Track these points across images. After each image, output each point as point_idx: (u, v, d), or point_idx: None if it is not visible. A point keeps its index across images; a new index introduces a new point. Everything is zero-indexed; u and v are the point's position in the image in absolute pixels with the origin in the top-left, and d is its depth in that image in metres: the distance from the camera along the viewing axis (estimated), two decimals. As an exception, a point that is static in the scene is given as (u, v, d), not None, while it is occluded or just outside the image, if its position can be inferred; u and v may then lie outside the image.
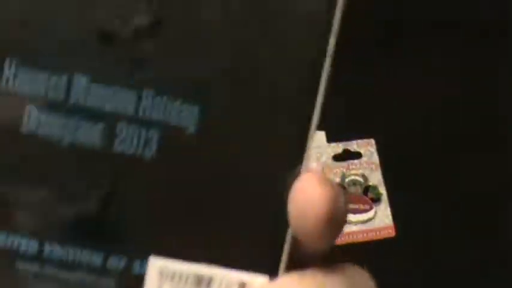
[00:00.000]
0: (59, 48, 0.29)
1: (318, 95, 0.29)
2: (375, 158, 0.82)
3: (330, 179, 0.28)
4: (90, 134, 0.29)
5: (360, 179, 0.81)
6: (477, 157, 0.80)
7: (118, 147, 0.29)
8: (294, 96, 0.29)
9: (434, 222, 0.78)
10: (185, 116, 0.29)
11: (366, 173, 0.82)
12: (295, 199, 0.28)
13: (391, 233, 0.79)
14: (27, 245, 0.29)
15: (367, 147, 0.82)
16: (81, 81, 0.29)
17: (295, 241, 0.28)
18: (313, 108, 0.29)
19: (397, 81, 0.80)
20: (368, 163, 0.82)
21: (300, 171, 0.29)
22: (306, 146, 0.29)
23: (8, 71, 0.29)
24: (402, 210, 0.79)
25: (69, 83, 0.29)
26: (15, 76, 0.29)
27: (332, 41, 0.29)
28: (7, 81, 0.29)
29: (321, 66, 0.29)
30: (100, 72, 0.29)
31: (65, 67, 0.29)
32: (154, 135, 0.29)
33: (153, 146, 0.29)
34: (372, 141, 0.82)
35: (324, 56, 0.29)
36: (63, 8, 0.29)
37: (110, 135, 0.29)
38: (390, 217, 0.80)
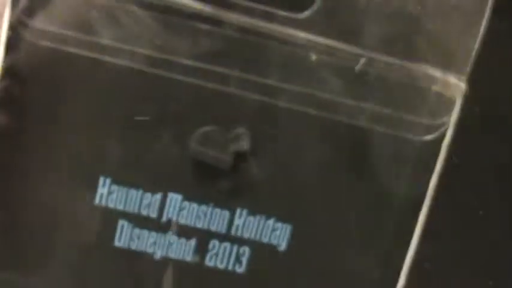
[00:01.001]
0: (153, 169, 0.29)
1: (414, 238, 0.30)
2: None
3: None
4: (183, 249, 0.29)
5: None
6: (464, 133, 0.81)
7: (209, 262, 0.29)
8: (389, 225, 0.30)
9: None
10: (278, 234, 0.29)
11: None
12: None
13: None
14: None
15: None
16: (175, 199, 0.29)
17: None
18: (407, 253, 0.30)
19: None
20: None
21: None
22: (400, 271, 0.30)
23: (102, 188, 0.29)
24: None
25: (163, 202, 0.29)
26: (108, 193, 0.29)
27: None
28: (101, 198, 0.29)
29: (418, 210, 0.29)
30: (194, 191, 0.29)
31: (159, 186, 0.29)
32: (245, 251, 0.29)
33: (244, 262, 0.29)
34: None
35: (424, 196, 0.29)
36: (160, 134, 0.28)
37: (202, 250, 0.29)
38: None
